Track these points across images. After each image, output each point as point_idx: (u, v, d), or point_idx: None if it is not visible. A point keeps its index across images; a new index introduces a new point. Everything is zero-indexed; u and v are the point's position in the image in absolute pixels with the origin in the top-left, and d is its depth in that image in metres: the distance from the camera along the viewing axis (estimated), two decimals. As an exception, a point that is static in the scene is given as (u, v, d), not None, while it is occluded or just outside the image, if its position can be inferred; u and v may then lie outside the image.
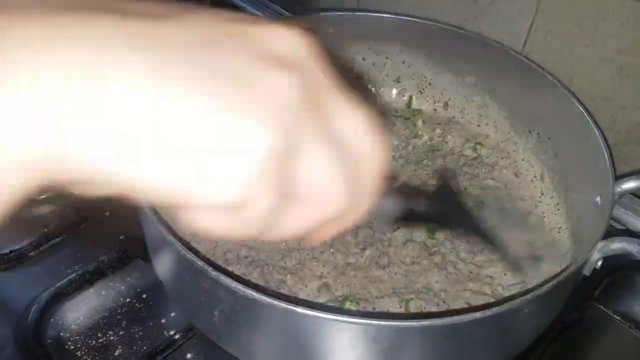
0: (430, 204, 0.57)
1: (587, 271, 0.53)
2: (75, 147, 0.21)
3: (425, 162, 0.74)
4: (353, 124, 0.27)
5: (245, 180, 0.24)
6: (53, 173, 0.22)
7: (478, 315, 0.44)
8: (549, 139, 0.69)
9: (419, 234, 0.64)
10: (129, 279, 0.64)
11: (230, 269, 0.60)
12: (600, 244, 0.51)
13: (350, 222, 0.31)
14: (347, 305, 0.56)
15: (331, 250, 0.62)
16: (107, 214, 0.71)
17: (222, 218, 0.25)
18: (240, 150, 0.23)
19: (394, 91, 0.81)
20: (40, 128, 0.21)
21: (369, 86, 0.81)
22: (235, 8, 1.01)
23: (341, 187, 0.27)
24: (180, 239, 0.48)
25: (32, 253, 0.66)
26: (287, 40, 0.26)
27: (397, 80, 0.81)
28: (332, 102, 0.27)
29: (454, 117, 0.79)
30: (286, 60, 0.25)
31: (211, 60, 0.23)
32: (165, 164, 0.23)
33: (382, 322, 0.44)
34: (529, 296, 0.46)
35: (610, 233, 0.52)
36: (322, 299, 0.58)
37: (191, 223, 0.26)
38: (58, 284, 0.62)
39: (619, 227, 0.70)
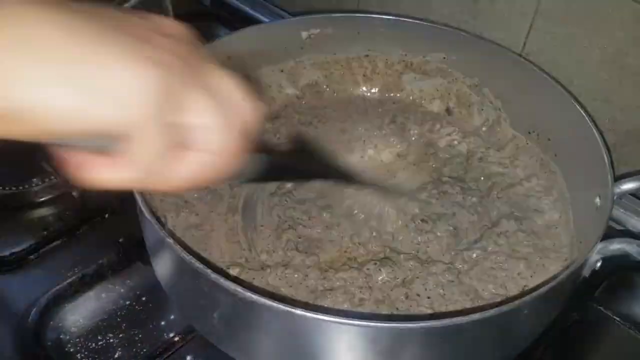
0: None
1: (586, 272, 0.53)
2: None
3: (426, 160, 0.74)
4: (227, 83, 0.33)
5: (136, 101, 0.29)
6: None
7: (477, 316, 0.44)
8: (549, 139, 0.69)
9: None
10: (128, 281, 0.64)
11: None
12: (599, 245, 0.51)
13: (223, 168, 0.34)
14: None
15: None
16: (106, 216, 0.71)
17: (113, 165, 0.31)
18: (131, 77, 0.29)
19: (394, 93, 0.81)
20: None
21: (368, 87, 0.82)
22: (235, 10, 1.01)
23: (220, 131, 0.32)
24: (179, 242, 0.48)
25: (32, 256, 0.66)
26: (174, 24, 0.34)
27: (398, 82, 0.81)
28: (211, 68, 0.33)
29: (453, 118, 0.78)
30: (173, 34, 0.33)
31: (116, 25, 0.30)
32: (66, 84, 0.27)
33: (381, 324, 0.44)
34: (528, 297, 0.46)
35: (610, 234, 0.52)
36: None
37: (86, 176, 0.31)
38: (58, 287, 0.62)
39: (619, 227, 0.70)
